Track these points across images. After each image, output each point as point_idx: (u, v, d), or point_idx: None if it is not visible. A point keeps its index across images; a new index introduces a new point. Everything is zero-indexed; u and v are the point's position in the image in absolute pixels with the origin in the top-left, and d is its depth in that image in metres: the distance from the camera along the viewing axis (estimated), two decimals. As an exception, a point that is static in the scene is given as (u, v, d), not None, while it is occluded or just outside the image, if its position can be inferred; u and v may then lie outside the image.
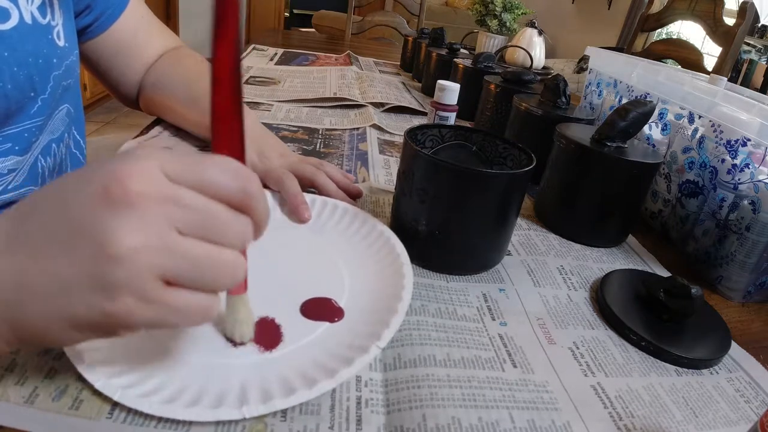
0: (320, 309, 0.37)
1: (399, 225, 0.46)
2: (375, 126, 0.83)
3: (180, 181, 0.24)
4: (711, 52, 2.61)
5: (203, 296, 0.25)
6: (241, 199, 0.26)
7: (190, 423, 0.27)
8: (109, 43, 0.61)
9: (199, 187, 0.25)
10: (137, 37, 0.64)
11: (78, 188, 0.24)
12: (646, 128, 0.63)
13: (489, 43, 1.31)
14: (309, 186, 0.52)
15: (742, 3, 1.38)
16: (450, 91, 0.68)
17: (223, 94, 0.27)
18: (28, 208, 0.25)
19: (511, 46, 1.22)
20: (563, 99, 0.66)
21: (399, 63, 1.41)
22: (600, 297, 0.45)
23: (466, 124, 0.89)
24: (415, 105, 0.97)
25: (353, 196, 0.54)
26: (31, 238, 0.24)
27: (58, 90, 0.50)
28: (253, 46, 1.38)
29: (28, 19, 0.45)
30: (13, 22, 0.43)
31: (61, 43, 0.49)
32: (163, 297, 0.24)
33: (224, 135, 0.28)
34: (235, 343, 0.33)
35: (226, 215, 0.25)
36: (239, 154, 0.28)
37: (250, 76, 1.03)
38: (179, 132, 0.67)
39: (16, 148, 0.48)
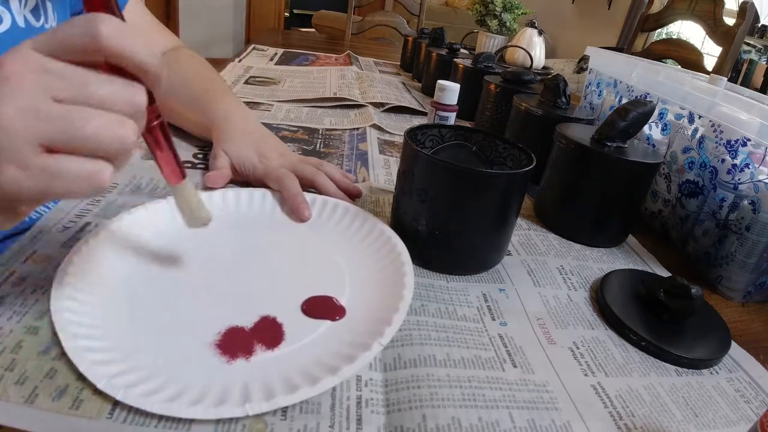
0: (322, 307, 0.37)
1: (399, 225, 0.46)
2: (375, 126, 0.83)
3: (51, 53, 0.25)
4: (711, 52, 2.61)
5: (88, 161, 0.25)
6: (98, 47, 0.25)
7: (191, 422, 0.27)
8: None
9: (64, 51, 0.25)
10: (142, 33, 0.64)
11: None
12: (646, 128, 0.63)
13: (489, 43, 1.31)
14: (309, 186, 0.52)
15: (742, 3, 1.38)
16: (450, 91, 0.68)
17: None
18: None
19: (511, 46, 1.22)
20: (563, 99, 0.66)
21: (399, 63, 1.41)
22: (600, 297, 0.45)
23: (466, 124, 0.89)
24: (415, 105, 0.97)
25: (353, 197, 0.54)
26: None
27: None
28: (253, 46, 1.38)
29: (21, 22, 0.44)
30: (5, 26, 0.43)
31: None
32: (43, 163, 0.24)
33: None
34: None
35: (99, 77, 0.26)
36: (109, 8, 0.28)
37: (250, 76, 1.03)
38: (179, 132, 0.67)
39: None
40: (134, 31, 0.27)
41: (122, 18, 0.29)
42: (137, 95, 0.27)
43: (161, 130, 0.32)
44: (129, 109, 0.26)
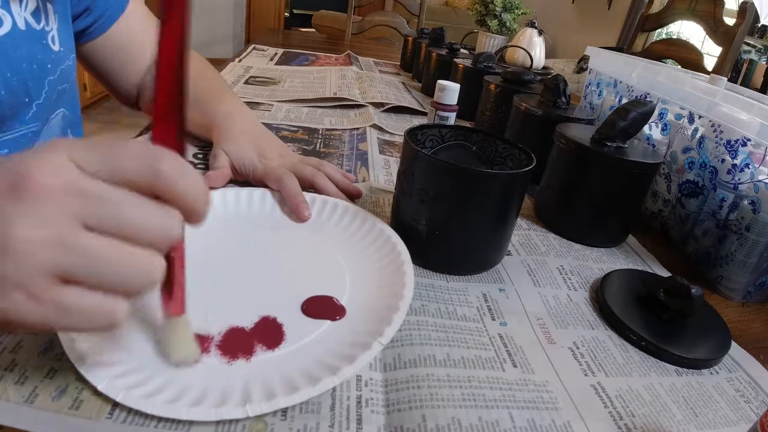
0: (322, 307, 0.37)
1: (399, 225, 0.46)
2: (375, 126, 0.83)
3: (91, 170, 0.23)
4: (711, 52, 2.61)
5: (103, 298, 0.23)
6: (154, 184, 0.23)
7: (191, 423, 0.27)
8: (109, 44, 0.61)
9: (111, 175, 0.23)
10: (137, 38, 0.64)
11: None
12: (646, 128, 0.63)
13: (489, 43, 1.31)
14: (309, 187, 0.52)
15: (742, 3, 1.38)
16: (450, 91, 0.68)
17: (165, 88, 0.26)
18: None
19: (511, 46, 1.22)
20: (563, 99, 0.66)
21: (399, 63, 1.41)
22: (600, 297, 0.45)
23: (466, 124, 0.89)
24: (415, 105, 0.97)
25: (352, 197, 0.54)
26: None
27: (53, 95, 0.50)
28: (253, 46, 1.38)
29: (21, 25, 0.44)
30: (6, 28, 0.43)
31: (56, 47, 0.49)
32: (53, 295, 0.22)
33: (162, 128, 0.26)
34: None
35: (140, 205, 0.23)
36: (176, 144, 0.27)
37: (250, 76, 1.03)
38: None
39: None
40: (193, 172, 0.25)
41: (184, 155, 0.27)
42: (175, 230, 0.24)
43: (180, 260, 0.29)
44: (163, 244, 0.24)
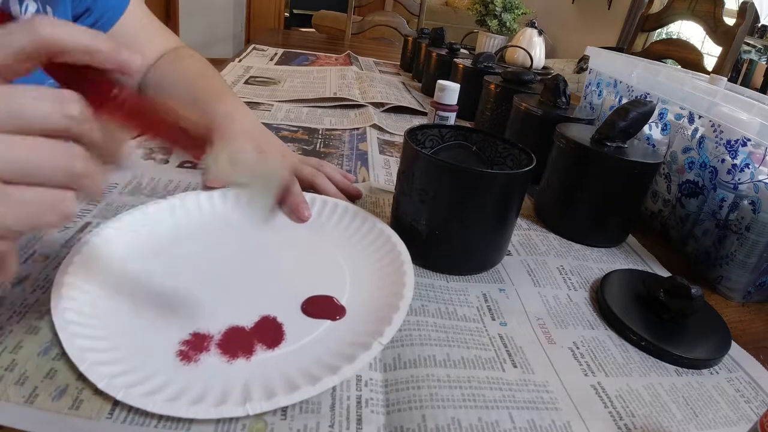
0: (322, 307, 0.37)
1: (399, 225, 0.46)
2: (375, 126, 0.83)
3: None
4: (711, 52, 2.61)
5: (47, 190, 0.23)
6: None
7: (191, 422, 0.27)
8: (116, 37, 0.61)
9: (4, 57, 0.23)
10: (137, 39, 0.64)
11: None
12: (646, 128, 0.63)
13: (489, 43, 1.31)
14: (308, 187, 0.52)
15: (742, 3, 1.38)
16: (450, 91, 0.68)
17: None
18: None
19: (511, 46, 1.22)
20: (563, 99, 0.66)
21: (399, 63, 1.41)
22: (600, 297, 0.45)
23: (466, 124, 0.89)
24: (415, 105, 0.97)
25: (352, 198, 0.53)
26: None
27: None
28: (253, 46, 1.38)
29: None
30: None
31: None
32: (3, 191, 0.22)
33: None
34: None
35: (18, 90, 0.23)
36: (71, 80, 0.26)
37: (250, 76, 1.03)
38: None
39: None
40: (71, 23, 0.25)
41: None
42: (70, 105, 0.24)
43: (132, 103, 0.27)
44: (65, 124, 0.24)
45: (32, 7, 0.46)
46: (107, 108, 0.26)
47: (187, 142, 0.27)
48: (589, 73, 0.83)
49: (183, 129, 0.28)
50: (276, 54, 1.31)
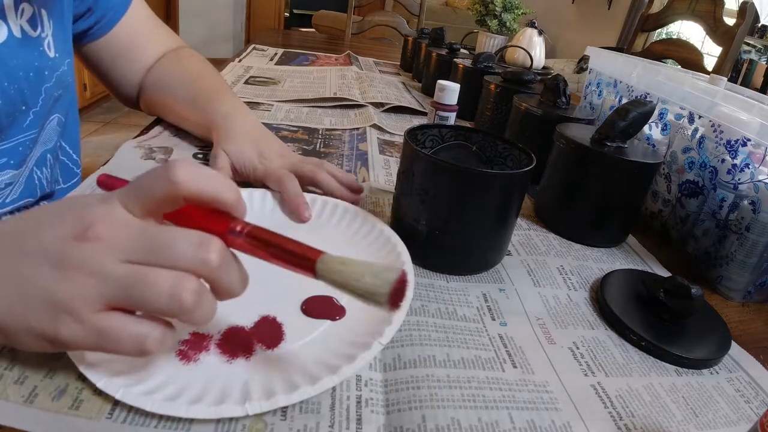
0: (322, 307, 0.37)
1: (399, 225, 0.46)
2: (375, 126, 0.83)
3: (136, 205, 0.27)
4: (711, 52, 2.61)
5: (139, 324, 0.26)
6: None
7: (191, 422, 0.27)
8: (111, 45, 0.61)
9: (149, 201, 0.27)
10: (139, 39, 0.64)
11: (51, 222, 0.27)
12: (646, 128, 0.63)
13: (489, 43, 1.31)
14: (310, 184, 0.52)
15: (742, 3, 1.39)
16: (450, 91, 0.68)
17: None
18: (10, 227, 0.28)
19: (511, 46, 1.22)
20: (563, 99, 0.66)
21: (399, 63, 1.41)
22: (600, 297, 0.45)
23: (466, 124, 0.89)
24: (415, 105, 0.97)
25: (354, 191, 0.53)
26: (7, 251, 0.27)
27: (49, 101, 0.50)
28: (253, 46, 1.38)
29: (17, 33, 0.44)
30: (2, 37, 0.43)
31: (51, 54, 0.49)
32: (94, 319, 0.25)
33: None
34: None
35: (173, 235, 0.26)
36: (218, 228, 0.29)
37: (250, 76, 1.03)
38: (179, 132, 0.67)
39: (12, 162, 0.47)
40: (208, 170, 0.27)
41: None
42: (211, 253, 0.26)
43: (255, 236, 0.29)
44: (201, 270, 0.26)
45: (28, 12, 0.45)
46: (227, 240, 0.28)
47: (295, 263, 0.29)
48: (589, 73, 0.83)
49: (291, 252, 0.29)
50: (276, 54, 1.31)
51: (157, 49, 0.66)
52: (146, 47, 0.65)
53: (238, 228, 0.29)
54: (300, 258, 0.28)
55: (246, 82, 0.98)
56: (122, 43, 0.62)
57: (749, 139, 0.49)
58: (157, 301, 0.25)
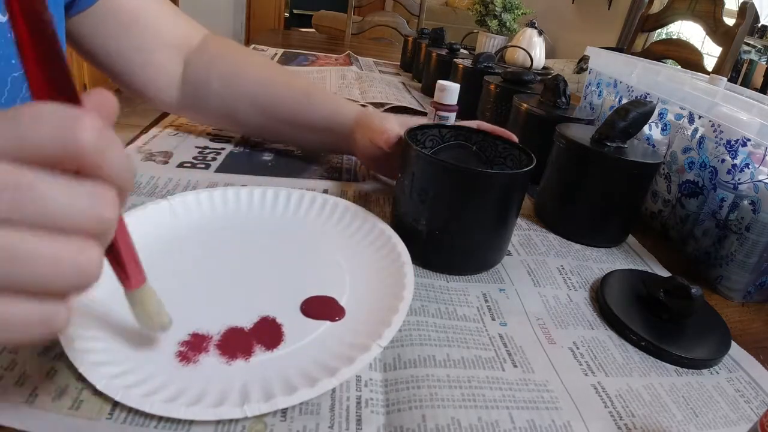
0: (321, 308, 0.37)
1: (399, 225, 0.46)
2: (375, 126, 0.83)
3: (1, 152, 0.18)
4: (711, 52, 2.61)
5: (38, 304, 0.19)
6: (74, 154, 0.19)
7: (191, 423, 0.27)
8: (100, 14, 0.53)
9: (18, 151, 0.18)
10: (133, 11, 0.55)
11: None
12: (646, 128, 0.63)
13: (489, 43, 1.31)
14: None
15: (742, 3, 1.39)
16: (450, 91, 0.68)
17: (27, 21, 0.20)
18: None
19: (511, 46, 1.22)
20: (563, 99, 0.66)
21: (399, 63, 1.41)
22: (600, 297, 0.45)
23: (466, 124, 0.89)
24: (415, 105, 0.97)
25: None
26: None
27: (20, 92, 0.46)
28: (253, 46, 1.38)
29: None
30: None
31: None
32: None
33: (41, 71, 0.20)
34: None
35: (62, 187, 0.19)
36: (68, 96, 0.21)
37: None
38: (178, 132, 0.67)
39: None
40: (117, 142, 0.20)
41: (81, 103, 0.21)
42: (108, 209, 0.20)
43: (119, 229, 0.25)
44: (97, 229, 0.20)
45: None
46: None
47: (118, 274, 0.26)
48: (589, 73, 0.83)
49: (122, 264, 0.26)
50: (276, 54, 1.31)
51: (181, 30, 0.60)
52: (157, 28, 0.57)
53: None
54: (127, 275, 0.27)
55: (246, 83, 0.98)
56: (119, 17, 0.54)
57: (749, 139, 0.49)
58: (63, 281, 0.19)
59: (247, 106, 0.60)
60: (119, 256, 0.26)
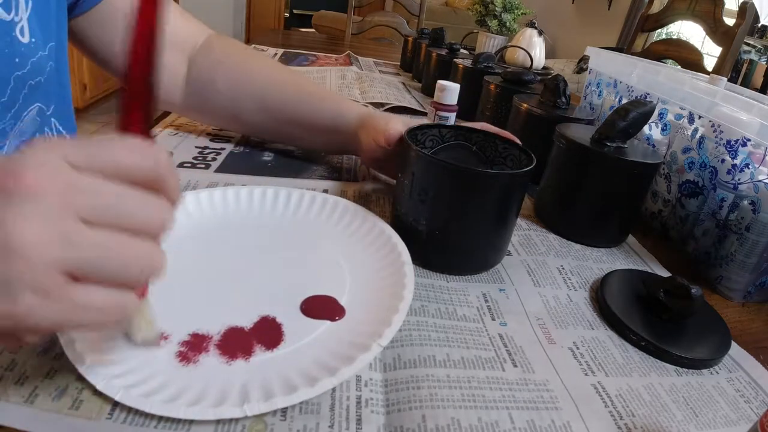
0: (321, 307, 0.37)
1: (399, 225, 0.46)
2: (375, 126, 0.83)
3: (84, 167, 0.23)
4: (711, 52, 2.61)
5: (114, 292, 0.23)
6: (154, 178, 0.24)
7: (191, 423, 0.27)
8: (103, 14, 0.54)
9: (106, 171, 0.23)
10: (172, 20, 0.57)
11: None
12: (646, 128, 0.63)
13: (489, 43, 1.31)
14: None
15: (742, 3, 1.39)
16: (450, 91, 0.68)
17: (138, 75, 0.26)
18: None
19: (511, 46, 1.22)
20: (563, 99, 0.66)
21: (399, 63, 1.41)
22: (600, 297, 0.45)
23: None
24: (415, 105, 0.97)
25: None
26: None
27: (22, 90, 0.46)
28: (253, 46, 1.38)
29: None
30: None
31: (24, 39, 0.45)
32: (68, 293, 0.22)
33: (135, 113, 0.26)
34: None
35: (137, 197, 0.24)
36: (147, 133, 0.26)
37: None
38: (178, 132, 0.67)
39: None
40: (173, 164, 0.26)
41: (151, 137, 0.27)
42: (169, 217, 0.25)
43: None
44: (159, 230, 0.25)
45: None
46: None
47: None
48: (589, 73, 0.83)
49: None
50: (276, 54, 1.31)
51: (188, 29, 0.61)
52: (171, 23, 0.56)
53: None
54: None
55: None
56: (120, 17, 0.54)
57: (749, 139, 0.49)
58: (135, 272, 0.23)
59: (252, 107, 0.60)
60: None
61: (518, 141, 0.52)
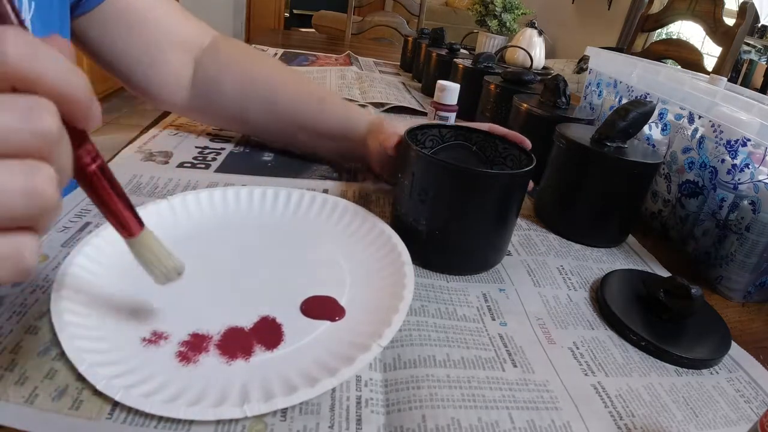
0: (321, 308, 0.37)
1: (399, 225, 0.46)
2: (375, 126, 0.83)
3: None
4: (711, 52, 2.61)
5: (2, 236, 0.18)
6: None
7: (191, 423, 0.27)
8: (107, 14, 0.53)
9: None
10: (156, 10, 0.55)
11: None
12: (646, 128, 0.63)
13: (489, 43, 1.31)
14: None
15: (742, 3, 1.39)
16: (450, 91, 0.68)
17: None
18: None
19: (511, 46, 1.22)
20: (563, 99, 0.66)
21: (399, 63, 1.41)
22: (600, 297, 0.45)
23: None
24: (415, 105, 0.97)
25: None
26: None
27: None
28: (253, 46, 1.38)
29: None
30: None
31: None
32: None
33: None
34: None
35: None
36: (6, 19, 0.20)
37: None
38: (178, 132, 0.67)
39: None
40: (51, 49, 0.19)
41: (26, 28, 0.20)
42: (42, 119, 0.18)
43: (103, 174, 0.25)
44: (36, 143, 0.18)
45: None
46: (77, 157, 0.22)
47: (117, 224, 0.27)
48: (589, 73, 0.83)
49: (119, 212, 0.27)
50: (276, 54, 1.31)
51: (191, 29, 0.60)
52: (165, 28, 0.56)
53: (93, 154, 0.23)
54: (122, 224, 0.27)
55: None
56: (127, 16, 0.54)
57: (749, 139, 0.49)
58: (11, 207, 0.18)
59: (259, 110, 0.60)
60: (111, 205, 0.26)
61: (528, 142, 0.52)
